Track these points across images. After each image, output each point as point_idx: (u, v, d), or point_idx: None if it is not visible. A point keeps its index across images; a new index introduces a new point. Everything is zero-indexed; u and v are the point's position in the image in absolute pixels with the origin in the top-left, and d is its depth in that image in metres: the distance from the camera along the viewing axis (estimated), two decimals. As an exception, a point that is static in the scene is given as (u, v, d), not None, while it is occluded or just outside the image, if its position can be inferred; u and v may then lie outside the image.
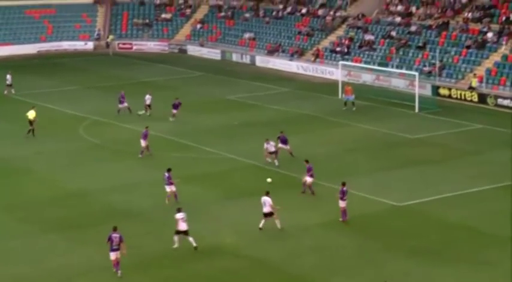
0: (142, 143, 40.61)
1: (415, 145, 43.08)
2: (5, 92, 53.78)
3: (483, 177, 37.09)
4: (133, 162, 40.44)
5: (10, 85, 55.56)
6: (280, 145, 39.52)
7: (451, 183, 36.39)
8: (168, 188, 34.27)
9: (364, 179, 36.46)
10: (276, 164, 38.72)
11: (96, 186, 33.93)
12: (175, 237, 29.26)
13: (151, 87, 59.45)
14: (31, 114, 44.97)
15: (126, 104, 49.18)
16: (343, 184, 32.15)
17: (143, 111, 48.93)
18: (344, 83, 53.42)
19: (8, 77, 55.81)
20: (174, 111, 48.22)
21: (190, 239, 29.11)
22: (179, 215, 29.26)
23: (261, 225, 30.88)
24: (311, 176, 34.94)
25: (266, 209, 30.94)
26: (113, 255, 27.24)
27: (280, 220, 30.95)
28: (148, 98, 49.72)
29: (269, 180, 33.71)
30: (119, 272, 27.26)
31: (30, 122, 44.76)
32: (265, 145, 39.17)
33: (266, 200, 31.00)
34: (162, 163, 40.06)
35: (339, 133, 45.60)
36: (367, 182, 36.27)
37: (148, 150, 40.79)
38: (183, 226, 29.09)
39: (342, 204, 31.98)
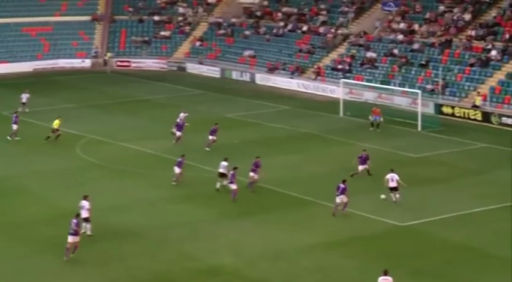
0: (177, 170, 39.42)
1: (418, 164, 42.99)
2: (20, 109, 53.94)
3: (487, 197, 36.98)
4: (131, 181, 40.35)
5: (24, 103, 55.61)
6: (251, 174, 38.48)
7: (454, 202, 36.28)
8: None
9: (366, 198, 36.33)
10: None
11: (92, 206, 33.81)
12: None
13: (150, 105, 59.55)
14: (55, 124, 47.62)
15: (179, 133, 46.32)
16: (344, 181, 34.58)
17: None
18: (372, 105, 52.95)
19: (24, 96, 55.91)
20: (211, 137, 45.55)
21: (88, 226, 31.66)
22: (83, 203, 32.00)
23: (383, 196, 35.62)
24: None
25: (392, 184, 35.67)
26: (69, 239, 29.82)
27: (400, 196, 35.32)
28: (181, 117, 48.15)
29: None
30: (66, 258, 29.35)
31: (53, 130, 47.46)
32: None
33: (393, 176, 35.77)
34: (159, 182, 40.03)
35: (341, 152, 45.52)
36: (369, 201, 36.15)
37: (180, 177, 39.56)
38: (83, 213, 31.71)
39: (338, 200, 34.25)
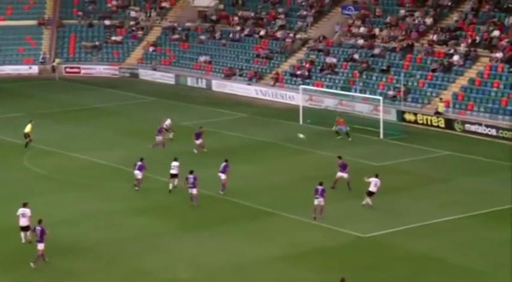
0: (138, 174, 39.78)
1: (380, 173, 43.08)
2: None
3: (451, 206, 37.38)
4: (83, 193, 40.03)
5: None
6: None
7: (418, 212, 36.62)
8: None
9: (326, 209, 36.45)
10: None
11: (42, 220, 33.38)
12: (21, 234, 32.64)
13: (101, 113, 59.22)
14: (27, 128, 48.06)
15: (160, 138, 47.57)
16: (321, 183, 35.82)
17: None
18: (335, 114, 53.42)
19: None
20: (197, 141, 46.92)
21: (27, 234, 32.41)
22: (21, 211, 32.79)
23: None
24: (347, 172, 38.87)
25: (373, 189, 36.71)
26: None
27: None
28: (167, 123, 49.67)
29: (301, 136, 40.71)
30: (32, 264, 29.98)
31: (25, 136, 47.75)
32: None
33: (377, 182, 36.76)
34: (113, 194, 39.80)
35: (300, 161, 45.68)
36: (329, 212, 36.21)
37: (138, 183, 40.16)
38: (23, 221, 32.67)
39: (316, 202, 35.56)
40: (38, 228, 31.04)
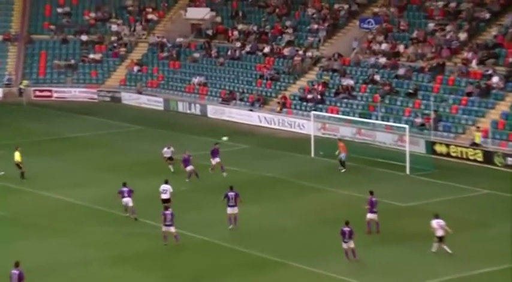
0: (129, 202, 42.11)
1: (405, 215, 43.05)
2: None
3: (489, 257, 36.99)
4: (53, 240, 39.78)
5: None
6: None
7: (449, 263, 36.27)
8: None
9: (342, 257, 36.12)
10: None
11: (3, 271, 33.08)
12: None
13: (77, 144, 59.06)
14: (17, 156, 49.30)
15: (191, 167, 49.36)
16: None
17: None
18: (337, 140, 53.94)
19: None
20: (214, 160, 50.09)
21: None
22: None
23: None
24: (374, 212, 39.55)
25: (440, 233, 36.83)
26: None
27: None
28: (167, 152, 51.32)
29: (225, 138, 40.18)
30: None
31: (17, 165, 49.31)
32: None
33: (439, 222, 36.75)
34: (89, 241, 39.55)
35: (313, 200, 45.47)
36: (345, 261, 36.01)
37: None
38: None
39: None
40: (15, 272, 31.14)
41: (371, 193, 40.52)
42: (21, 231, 41.09)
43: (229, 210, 40.45)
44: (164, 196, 42.11)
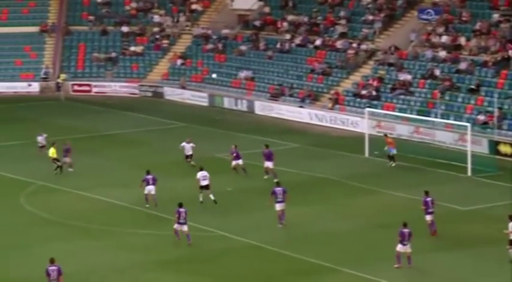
0: (152, 190, 44.45)
1: (467, 220, 42.98)
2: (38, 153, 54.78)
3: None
4: (93, 242, 40.27)
5: (43, 146, 55.60)
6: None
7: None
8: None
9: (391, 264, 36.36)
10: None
11: (42, 273, 33.70)
12: None
13: (117, 141, 59.59)
14: (51, 153, 51.02)
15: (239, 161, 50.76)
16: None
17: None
18: (383, 136, 54.59)
19: (40, 138, 56.06)
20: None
21: None
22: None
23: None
24: (430, 213, 40.25)
25: None
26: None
27: None
28: (188, 147, 52.45)
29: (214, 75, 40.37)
30: None
31: (54, 160, 51.07)
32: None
33: None
34: (130, 244, 39.99)
35: (366, 203, 45.55)
36: (401, 268, 36.19)
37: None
38: None
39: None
40: (53, 268, 32.45)
41: (426, 193, 40.75)
42: (60, 233, 41.51)
43: (278, 207, 41.21)
44: (204, 182, 44.32)
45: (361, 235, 40.71)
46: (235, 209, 44.53)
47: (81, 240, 40.57)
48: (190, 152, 52.31)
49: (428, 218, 40.14)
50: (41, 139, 56.15)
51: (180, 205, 39.53)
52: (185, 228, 39.14)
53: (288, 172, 51.19)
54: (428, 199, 40.33)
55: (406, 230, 36.17)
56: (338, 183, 49.38)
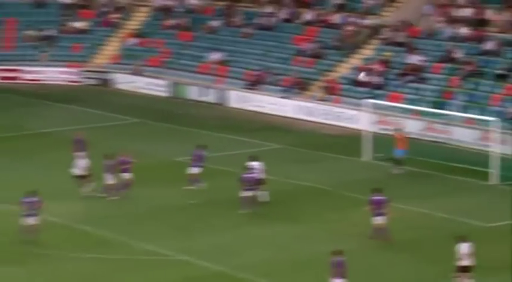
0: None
1: (491, 239, 43.14)
2: None
3: None
4: (16, 269, 40.27)
5: None
6: None
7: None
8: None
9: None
10: None
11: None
12: None
13: (53, 142, 59.64)
14: None
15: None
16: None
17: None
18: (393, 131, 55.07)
19: None
20: (194, 169, 50.28)
21: None
22: None
23: None
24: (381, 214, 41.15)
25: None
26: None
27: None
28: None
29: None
30: None
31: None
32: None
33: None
34: (64, 271, 39.97)
35: (364, 219, 45.57)
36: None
37: None
38: None
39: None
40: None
41: (377, 191, 41.96)
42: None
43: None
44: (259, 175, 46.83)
45: (358, 257, 40.56)
46: (198, 227, 44.46)
47: (5, 267, 40.48)
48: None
49: (377, 220, 40.84)
50: None
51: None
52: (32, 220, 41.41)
53: (267, 180, 51.16)
54: (377, 198, 41.50)
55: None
56: (330, 194, 49.64)
